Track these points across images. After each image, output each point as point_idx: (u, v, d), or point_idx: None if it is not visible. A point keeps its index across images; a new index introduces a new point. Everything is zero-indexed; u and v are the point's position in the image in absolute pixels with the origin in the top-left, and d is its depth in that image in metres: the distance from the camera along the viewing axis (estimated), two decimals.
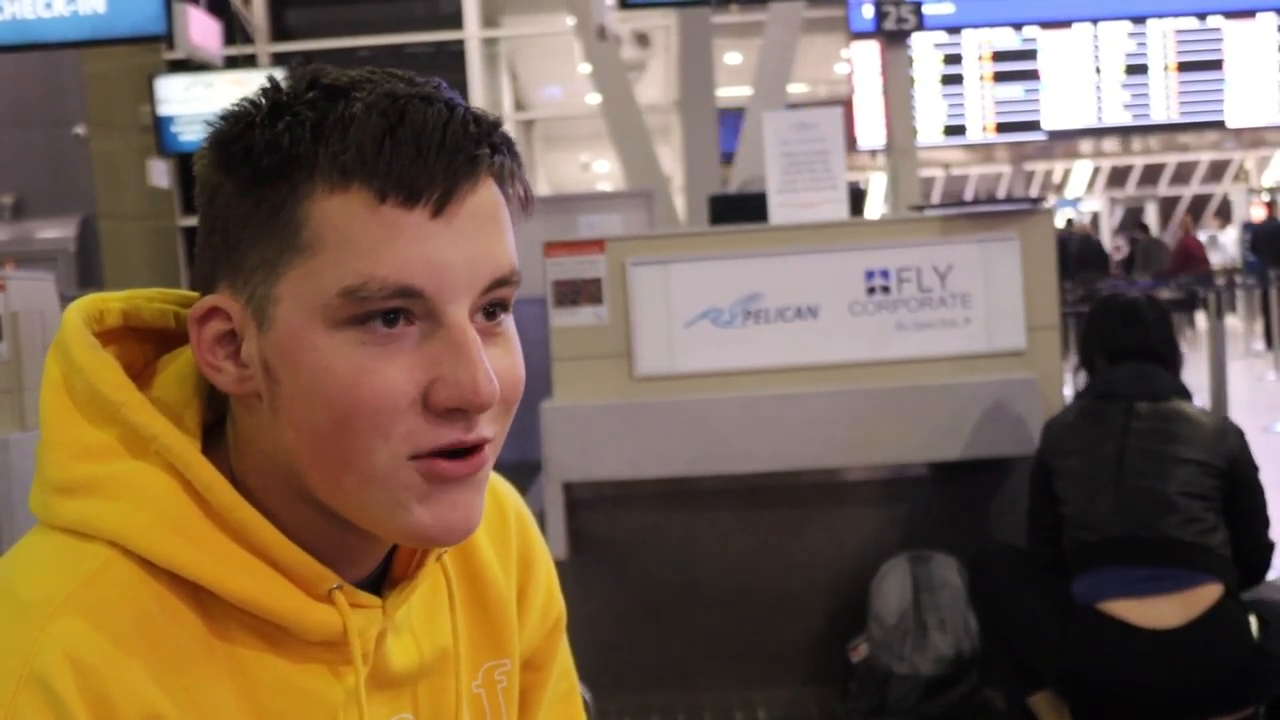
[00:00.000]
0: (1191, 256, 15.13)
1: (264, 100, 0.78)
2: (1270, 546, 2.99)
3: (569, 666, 1.07)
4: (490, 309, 0.80)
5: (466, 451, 0.79)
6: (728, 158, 8.89)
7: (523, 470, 3.86)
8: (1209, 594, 2.83)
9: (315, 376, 0.76)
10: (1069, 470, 3.00)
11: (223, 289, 0.80)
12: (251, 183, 0.77)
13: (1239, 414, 5.31)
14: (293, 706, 0.81)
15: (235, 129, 0.78)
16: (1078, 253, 15.66)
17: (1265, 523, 2.98)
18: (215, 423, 0.85)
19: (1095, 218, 25.01)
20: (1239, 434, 2.99)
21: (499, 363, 0.79)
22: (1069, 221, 18.68)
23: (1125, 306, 3.19)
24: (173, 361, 0.86)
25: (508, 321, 0.82)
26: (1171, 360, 3.13)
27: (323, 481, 0.79)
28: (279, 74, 0.85)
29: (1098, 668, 2.86)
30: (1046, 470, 3.06)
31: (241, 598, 0.79)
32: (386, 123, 0.75)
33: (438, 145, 0.76)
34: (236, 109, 0.79)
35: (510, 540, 1.00)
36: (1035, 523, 3.12)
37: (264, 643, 0.81)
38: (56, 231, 8.58)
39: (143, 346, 0.87)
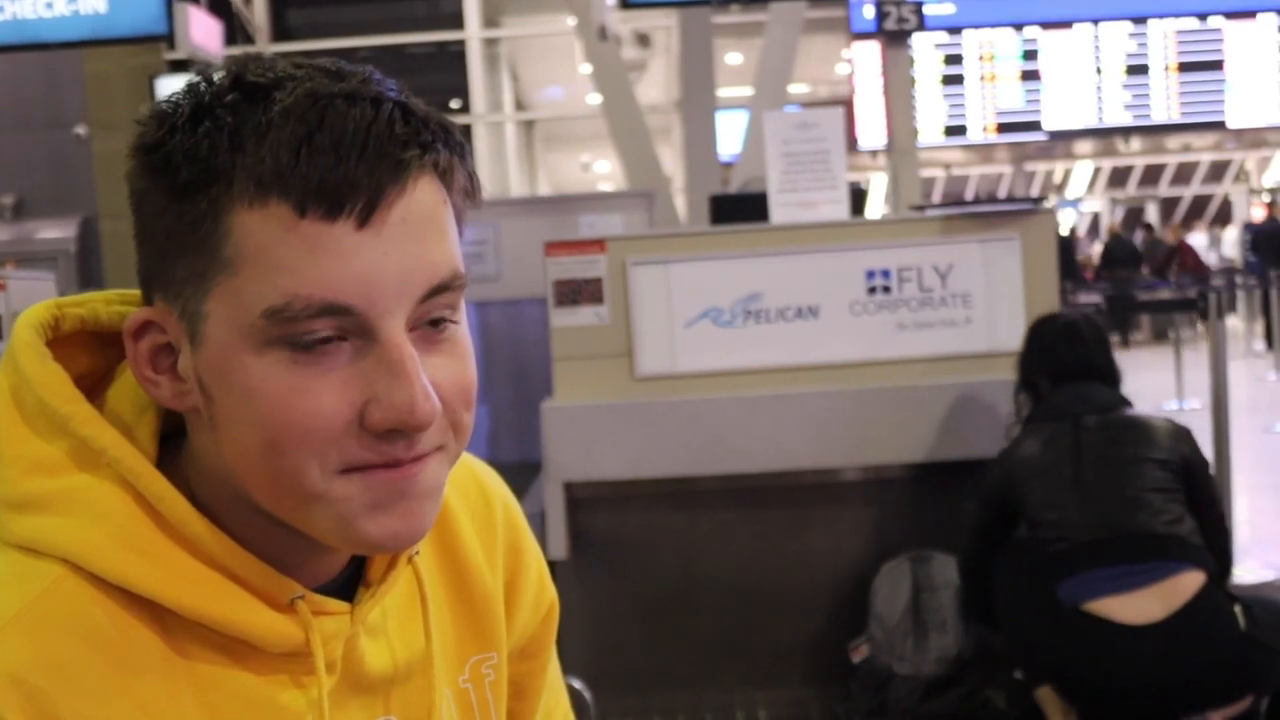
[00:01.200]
0: (1199, 261, 15.36)
1: (186, 101, 0.74)
2: (1229, 532, 3.09)
3: (555, 654, 1.06)
4: (432, 316, 0.75)
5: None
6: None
7: (523, 470, 3.86)
8: (1189, 583, 2.84)
9: (245, 397, 0.73)
10: (1033, 491, 3.02)
11: (158, 300, 0.76)
12: (173, 194, 0.73)
13: (1239, 414, 5.31)
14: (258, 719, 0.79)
15: (157, 134, 0.74)
16: (1110, 250, 15.75)
17: (1221, 512, 3.07)
18: (175, 432, 0.82)
19: (1096, 218, 25.01)
20: (1189, 435, 3.06)
21: (443, 372, 0.75)
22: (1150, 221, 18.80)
23: (1064, 327, 3.21)
24: (127, 369, 0.81)
25: (454, 326, 0.77)
26: (1111, 377, 3.17)
27: (265, 498, 0.76)
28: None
29: (1088, 668, 2.87)
30: (1006, 498, 3.09)
31: (199, 612, 0.76)
32: (304, 129, 0.70)
33: (359, 150, 0.71)
34: (160, 109, 0.75)
35: (497, 530, 0.98)
36: (977, 538, 3.18)
37: (226, 656, 0.78)
38: (57, 232, 8.55)
39: (105, 352, 0.84)
